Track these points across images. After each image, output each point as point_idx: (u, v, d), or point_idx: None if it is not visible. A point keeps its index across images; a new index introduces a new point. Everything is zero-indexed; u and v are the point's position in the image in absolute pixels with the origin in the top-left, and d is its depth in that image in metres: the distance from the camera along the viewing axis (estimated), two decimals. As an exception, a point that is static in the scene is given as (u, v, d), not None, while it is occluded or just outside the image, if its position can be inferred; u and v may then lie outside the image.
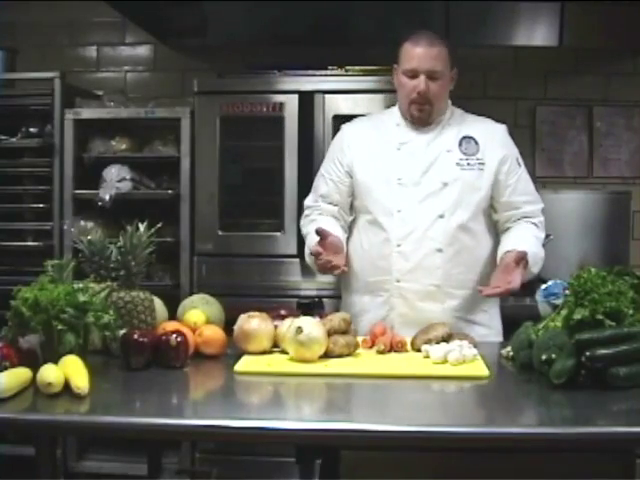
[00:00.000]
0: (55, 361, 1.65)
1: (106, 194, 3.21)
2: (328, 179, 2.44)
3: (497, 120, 2.47)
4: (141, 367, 1.82)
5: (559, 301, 1.98)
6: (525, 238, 2.33)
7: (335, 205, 2.43)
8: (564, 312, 1.78)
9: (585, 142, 3.77)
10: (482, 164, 2.34)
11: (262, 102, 3.20)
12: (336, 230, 2.34)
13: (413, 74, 2.29)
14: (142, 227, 2.04)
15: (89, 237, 2.07)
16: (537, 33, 3.63)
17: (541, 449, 1.49)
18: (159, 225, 2.12)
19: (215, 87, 3.31)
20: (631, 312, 1.72)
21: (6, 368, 1.63)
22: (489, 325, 2.39)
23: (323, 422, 1.52)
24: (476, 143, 2.36)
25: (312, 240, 2.31)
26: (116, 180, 3.25)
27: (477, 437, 1.45)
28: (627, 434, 1.46)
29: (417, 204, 2.32)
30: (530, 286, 2.97)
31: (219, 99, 3.22)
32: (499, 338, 2.38)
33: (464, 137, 2.37)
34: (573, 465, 1.50)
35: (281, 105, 3.19)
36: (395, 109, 2.46)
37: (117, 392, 1.74)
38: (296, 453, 2.14)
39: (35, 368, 1.64)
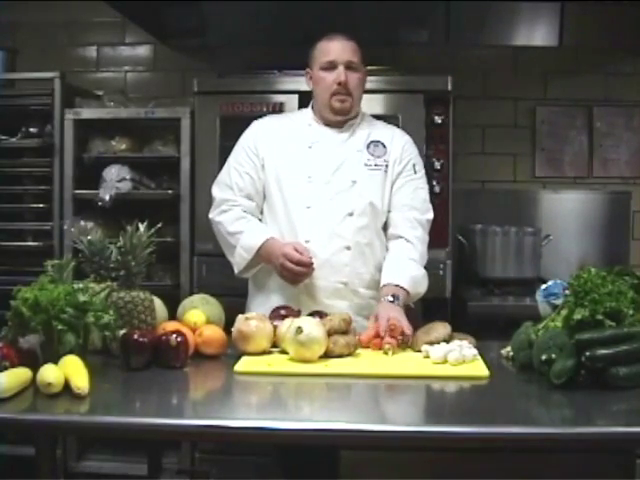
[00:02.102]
0: (55, 361, 1.65)
1: (106, 194, 3.21)
2: (242, 172, 2.41)
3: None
4: (141, 367, 1.82)
5: (559, 301, 1.98)
6: (403, 266, 2.29)
7: (252, 200, 2.40)
8: (564, 312, 1.78)
9: (585, 142, 3.77)
10: (387, 166, 2.39)
11: (262, 102, 3.19)
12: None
13: (332, 66, 2.33)
14: (142, 227, 2.04)
15: (89, 237, 2.07)
16: (537, 33, 3.63)
17: (541, 449, 1.49)
18: (159, 225, 2.11)
19: (215, 87, 3.30)
20: (631, 312, 1.72)
21: (6, 368, 1.63)
22: None
23: (323, 422, 1.52)
24: (384, 146, 2.41)
25: (253, 241, 2.30)
26: (116, 180, 3.24)
27: (477, 437, 1.44)
28: (627, 434, 1.46)
29: (327, 201, 2.33)
30: (530, 286, 2.97)
31: (219, 99, 3.22)
32: None
33: (372, 141, 2.41)
34: (573, 465, 1.50)
35: (281, 105, 3.18)
36: (307, 110, 2.49)
37: (117, 392, 1.74)
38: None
39: (35, 368, 1.64)
